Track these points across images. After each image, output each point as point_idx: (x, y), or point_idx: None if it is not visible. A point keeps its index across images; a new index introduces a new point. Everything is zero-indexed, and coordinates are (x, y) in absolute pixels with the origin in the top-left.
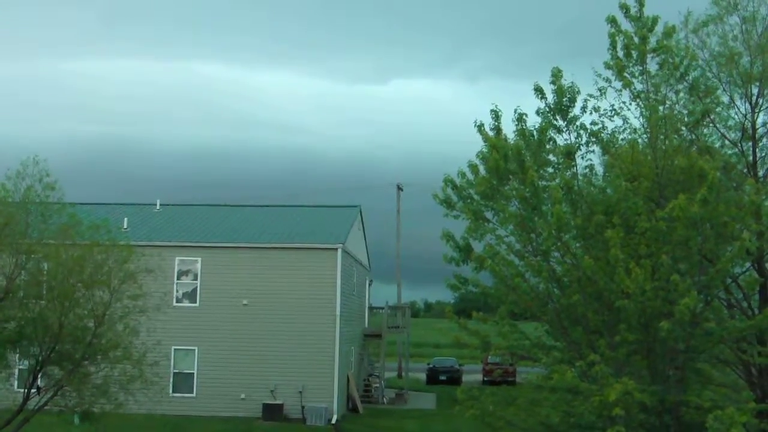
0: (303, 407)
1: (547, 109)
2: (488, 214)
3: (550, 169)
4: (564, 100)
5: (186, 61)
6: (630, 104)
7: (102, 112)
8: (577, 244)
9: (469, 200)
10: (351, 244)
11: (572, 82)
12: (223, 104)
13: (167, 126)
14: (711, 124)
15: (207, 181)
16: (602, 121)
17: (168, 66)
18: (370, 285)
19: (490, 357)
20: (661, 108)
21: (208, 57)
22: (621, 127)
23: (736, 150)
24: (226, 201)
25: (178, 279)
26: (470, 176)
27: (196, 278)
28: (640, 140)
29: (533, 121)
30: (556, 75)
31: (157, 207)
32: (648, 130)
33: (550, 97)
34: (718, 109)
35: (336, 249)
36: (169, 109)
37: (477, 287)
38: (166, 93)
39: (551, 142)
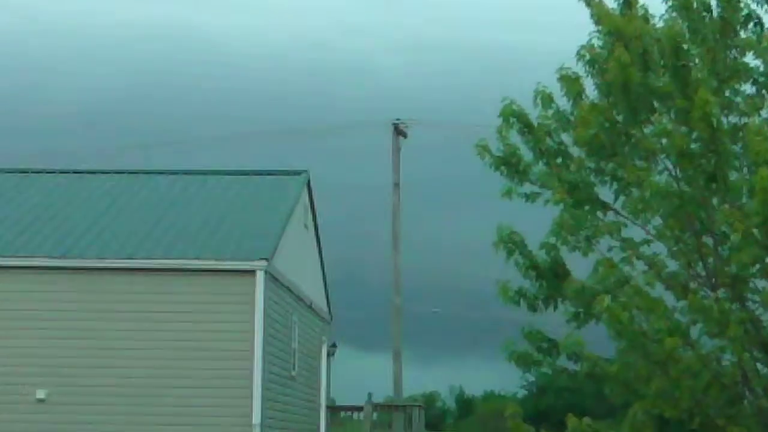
0: None
1: None
2: (605, 192)
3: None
4: None
5: None
6: None
7: None
8: None
9: (559, 158)
10: (286, 260)
11: None
12: None
13: None
14: None
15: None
16: None
17: None
18: (330, 353)
19: None
20: None
21: None
22: None
23: None
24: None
25: None
26: (562, 105)
27: None
28: None
29: None
30: None
31: None
32: None
33: None
34: None
35: (254, 272)
36: None
37: (579, 360)
38: None
39: (750, 23)
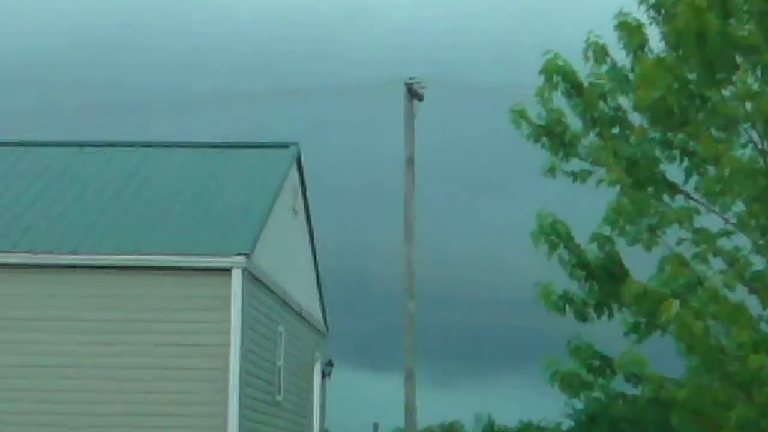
0: None
1: None
2: (673, 170)
3: None
4: None
5: None
6: None
7: None
8: None
9: (615, 127)
10: (270, 256)
11: None
12: None
13: None
14: None
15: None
16: None
17: None
18: (325, 373)
19: None
20: None
21: None
22: None
23: None
24: None
25: None
26: (620, 60)
27: None
28: None
29: None
30: None
31: None
32: None
33: None
34: None
35: (229, 271)
36: None
37: (640, 381)
38: None
39: None
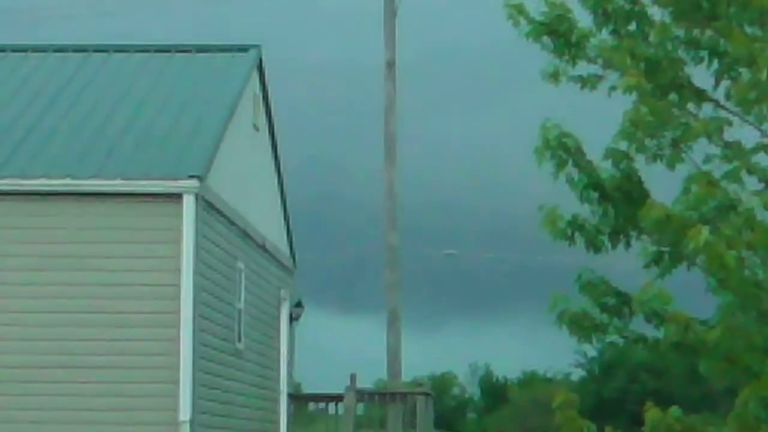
0: None
1: None
2: (700, 74)
3: None
4: None
5: None
6: None
7: None
8: None
9: (632, 23)
10: (228, 179)
11: None
12: None
13: None
14: None
15: None
16: None
17: None
18: (294, 316)
19: None
20: None
21: None
22: None
23: None
24: None
25: None
26: None
27: None
28: None
29: None
30: None
31: None
32: None
33: None
34: None
35: (180, 196)
36: None
37: (663, 323)
38: None
39: None
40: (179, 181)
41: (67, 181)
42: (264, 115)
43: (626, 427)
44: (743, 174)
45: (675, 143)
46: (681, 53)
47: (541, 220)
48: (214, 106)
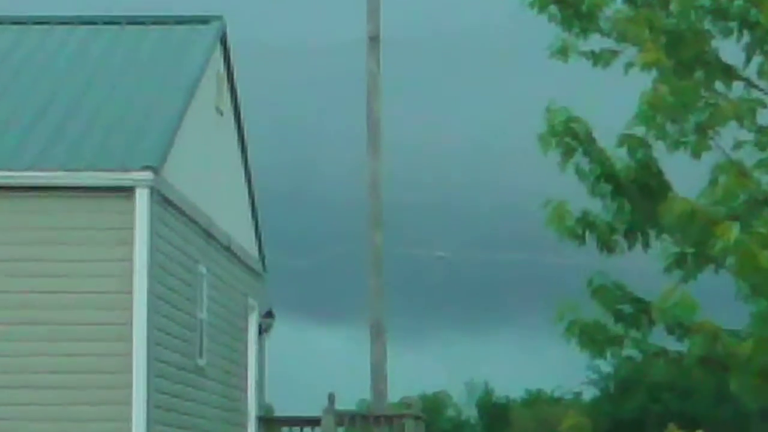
0: None
1: None
2: (728, 48)
3: None
4: None
5: None
6: None
7: None
8: None
9: None
10: (187, 171)
11: None
12: None
13: None
14: None
15: None
16: None
17: None
18: (263, 327)
19: None
20: None
21: None
22: None
23: None
24: None
25: None
26: None
27: None
28: None
29: None
30: None
31: None
32: None
33: None
34: None
35: (132, 190)
36: None
37: (687, 334)
38: None
39: None
40: (131, 173)
41: (1, 173)
42: (229, 98)
43: None
44: None
45: (700, 128)
46: (707, 24)
47: (547, 217)
48: (171, 86)
